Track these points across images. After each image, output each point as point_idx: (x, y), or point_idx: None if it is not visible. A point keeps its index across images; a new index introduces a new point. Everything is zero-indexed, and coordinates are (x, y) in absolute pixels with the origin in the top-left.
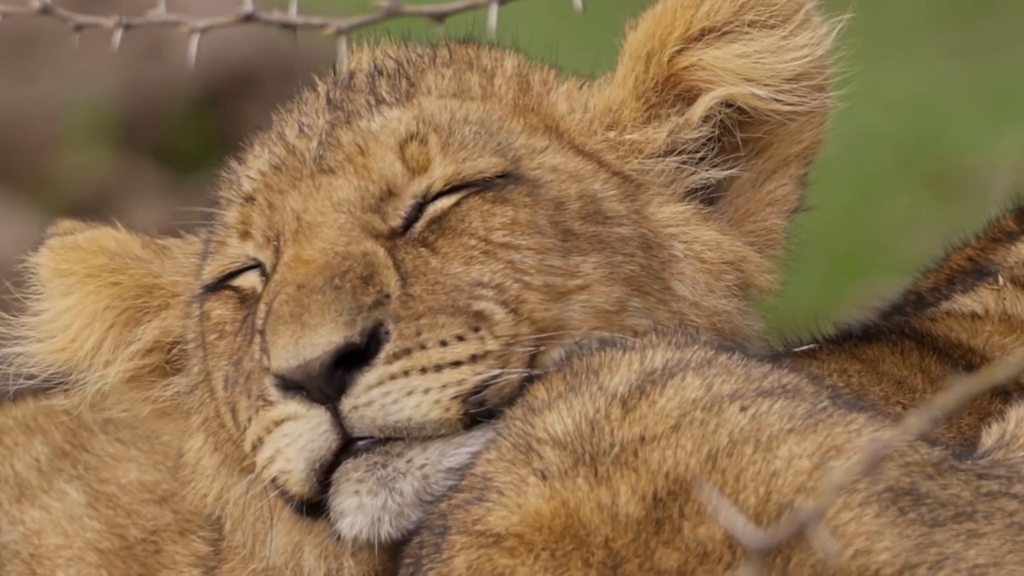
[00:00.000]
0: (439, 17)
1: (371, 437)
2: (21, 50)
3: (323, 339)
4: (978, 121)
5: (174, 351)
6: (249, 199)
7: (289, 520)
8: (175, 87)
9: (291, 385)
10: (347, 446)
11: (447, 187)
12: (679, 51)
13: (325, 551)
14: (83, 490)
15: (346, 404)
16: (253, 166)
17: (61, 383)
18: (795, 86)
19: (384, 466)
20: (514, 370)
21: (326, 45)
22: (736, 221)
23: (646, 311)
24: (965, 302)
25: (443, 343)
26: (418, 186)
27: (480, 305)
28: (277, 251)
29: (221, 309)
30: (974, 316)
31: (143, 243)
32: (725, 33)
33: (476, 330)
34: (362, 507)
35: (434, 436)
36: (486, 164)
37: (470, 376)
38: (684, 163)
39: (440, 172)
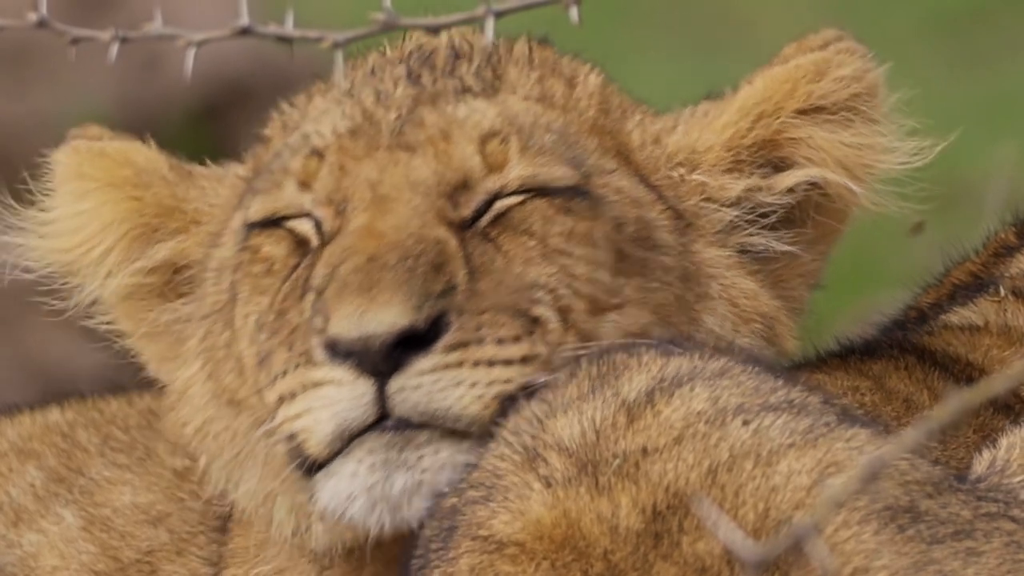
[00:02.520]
0: (435, 30)
1: (405, 418)
2: (17, 63)
3: (390, 318)
4: (975, 133)
5: (179, 276)
6: (317, 154)
7: (273, 471)
8: (171, 100)
9: (342, 352)
10: (378, 421)
11: (520, 188)
12: (790, 120)
13: (297, 509)
14: (79, 514)
15: (394, 384)
16: (324, 122)
17: (57, 283)
18: (884, 188)
19: (400, 450)
20: (554, 376)
21: (322, 58)
22: (768, 285)
23: None
24: (964, 314)
25: (499, 341)
26: (492, 183)
27: (538, 310)
28: (340, 214)
29: (272, 247)
30: (973, 329)
31: (170, 165)
32: (833, 115)
33: (530, 333)
34: (354, 477)
35: (457, 434)
36: (561, 173)
37: (517, 376)
38: (748, 222)
39: (516, 173)
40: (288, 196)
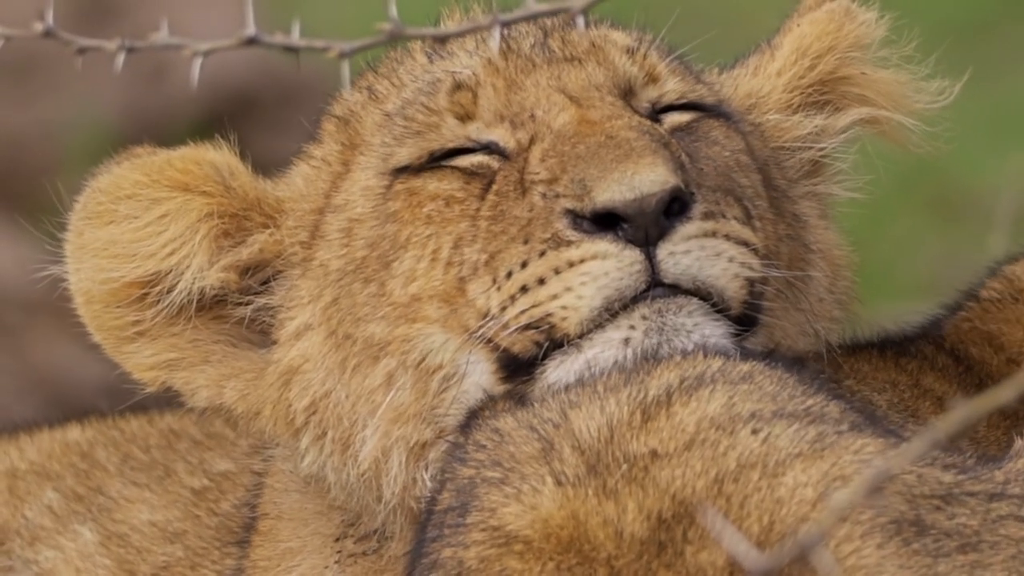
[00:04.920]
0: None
1: (674, 284)
2: (23, 73)
3: (661, 177)
4: (981, 143)
5: (258, 273)
6: (464, 87)
7: (397, 417)
8: (177, 110)
9: (604, 224)
10: (646, 291)
11: (680, 100)
12: (846, 56)
13: (412, 456)
14: (96, 530)
15: (663, 249)
16: (457, 62)
17: (151, 287)
18: (914, 126)
19: (674, 314)
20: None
21: (328, 68)
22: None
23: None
24: (1010, 270)
25: (736, 219)
26: (653, 92)
27: (745, 202)
28: (518, 128)
29: (440, 183)
30: (1015, 293)
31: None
32: (872, 55)
33: (749, 219)
34: (626, 343)
35: (715, 314)
36: (707, 92)
37: (756, 263)
38: (821, 168)
39: (672, 85)
40: (449, 131)
